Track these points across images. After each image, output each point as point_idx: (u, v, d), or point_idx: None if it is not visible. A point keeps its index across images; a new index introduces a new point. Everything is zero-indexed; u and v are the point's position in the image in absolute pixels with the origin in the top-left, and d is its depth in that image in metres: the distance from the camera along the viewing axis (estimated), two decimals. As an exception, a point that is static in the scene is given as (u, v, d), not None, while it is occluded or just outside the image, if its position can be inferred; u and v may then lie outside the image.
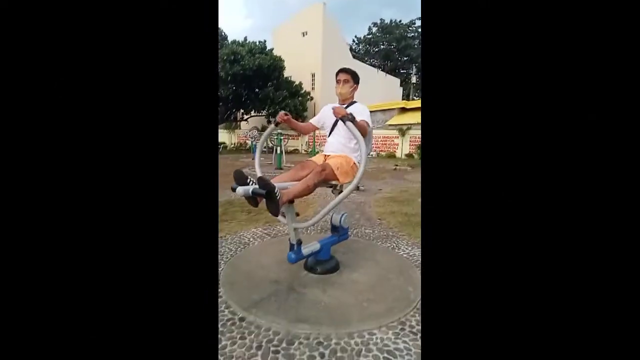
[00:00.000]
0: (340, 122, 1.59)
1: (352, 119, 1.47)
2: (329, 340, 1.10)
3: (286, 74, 16.74)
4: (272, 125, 1.83)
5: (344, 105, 1.79)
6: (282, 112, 1.71)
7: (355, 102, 1.84)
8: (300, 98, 16.90)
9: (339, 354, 1.03)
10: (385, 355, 1.04)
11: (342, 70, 1.80)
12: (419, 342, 1.09)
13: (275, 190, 1.34)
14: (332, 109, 1.56)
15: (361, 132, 1.49)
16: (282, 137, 8.21)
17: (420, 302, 1.37)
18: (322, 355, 1.03)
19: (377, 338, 1.12)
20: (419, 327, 1.18)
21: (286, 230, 1.66)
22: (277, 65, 15.93)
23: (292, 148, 15.72)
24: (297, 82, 17.16)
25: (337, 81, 1.80)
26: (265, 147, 14.21)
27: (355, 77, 1.81)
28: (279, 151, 7.79)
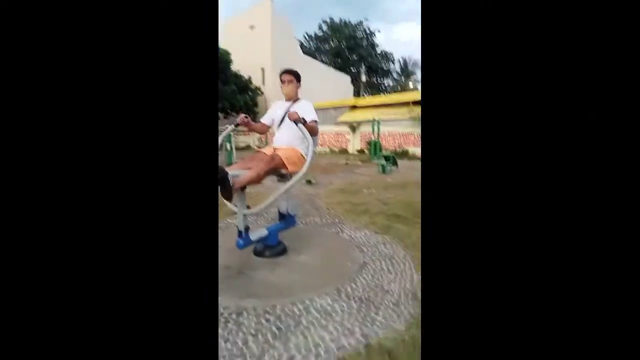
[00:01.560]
0: (287, 117, 1.76)
1: (304, 122, 1.64)
2: (274, 309, 1.24)
3: (234, 68, 16.29)
4: (232, 126, 1.92)
5: (290, 102, 1.98)
6: (242, 115, 1.84)
7: (299, 99, 2.00)
8: (250, 93, 16.59)
9: (283, 318, 1.18)
10: (323, 314, 1.21)
11: (286, 72, 1.96)
12: (353, 304, 1.29)
13: (228, 176, 1.44)
14: (287, 114, 1.72)
15: (311, 132, 1.67)
16: (231, 133, 8.04)
17: (356, 273, 1.57)
18: (267, 320, 1.17)
19: (316, 303, 1.29)
20: (354, 293, 1.37)
21: (234, 221, 1.78)
22: (222, 58, 15.37)
23: (244, 144, 15.43)
24: (246, 77, 16.80)
25: (282, 81, 1.96)
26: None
27: (298, 77, 1.97)
28: (228, 148, 7.62)
